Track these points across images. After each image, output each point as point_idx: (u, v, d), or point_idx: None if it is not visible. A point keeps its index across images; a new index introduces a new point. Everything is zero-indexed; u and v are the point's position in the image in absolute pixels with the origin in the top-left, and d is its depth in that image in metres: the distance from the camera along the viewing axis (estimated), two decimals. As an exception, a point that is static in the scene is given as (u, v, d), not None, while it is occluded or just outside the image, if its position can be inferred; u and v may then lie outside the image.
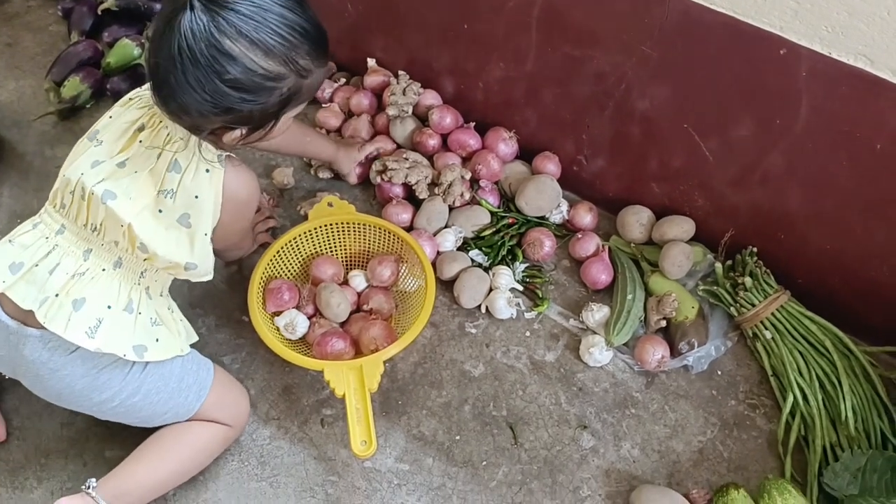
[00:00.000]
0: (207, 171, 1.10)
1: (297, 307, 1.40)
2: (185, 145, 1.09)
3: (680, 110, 1.33)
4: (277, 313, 1.39)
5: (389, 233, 1.44)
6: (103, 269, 1.12)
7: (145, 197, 1.09)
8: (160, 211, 1.10)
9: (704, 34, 1.19)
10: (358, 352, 1.36)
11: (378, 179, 1.58)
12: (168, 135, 1.10)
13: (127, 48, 1.77)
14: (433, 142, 1.58)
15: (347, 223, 1.45)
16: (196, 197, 1.10)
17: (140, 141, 1.11)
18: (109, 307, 1.11)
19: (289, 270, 1.44)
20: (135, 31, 1.81)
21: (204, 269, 1.19)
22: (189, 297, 1.48)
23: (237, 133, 1.06)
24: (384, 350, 1.28)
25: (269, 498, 1.27)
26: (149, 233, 1.09)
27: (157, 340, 1.15)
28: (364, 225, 1.45)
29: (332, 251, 1.47)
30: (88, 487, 1.16)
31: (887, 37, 1.03)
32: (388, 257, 1.43)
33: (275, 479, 1.29)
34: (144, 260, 1.13)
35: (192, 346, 1.25)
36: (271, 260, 1.40)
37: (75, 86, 1.72)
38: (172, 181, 1.09)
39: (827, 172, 1.24)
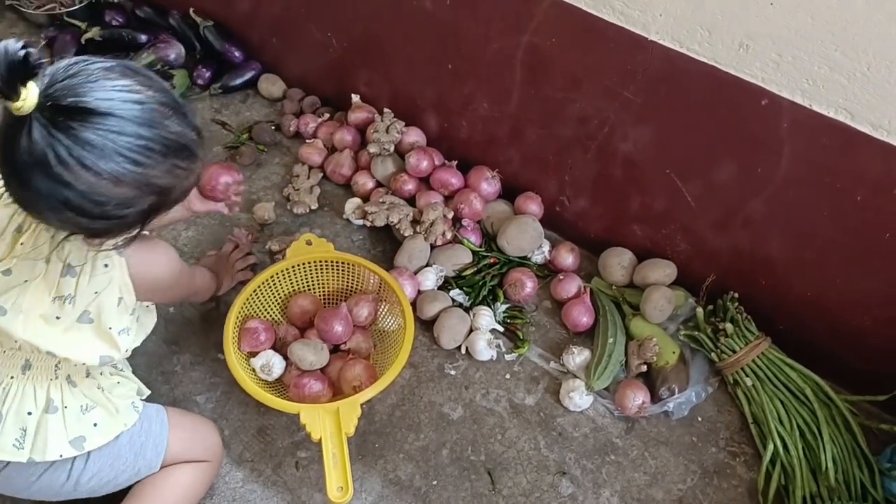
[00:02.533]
0: (106, 265, 1.00)
1: (274, 347, 1.38)
2: (73, 245, 0.97)
3: (662, 155, 1.33)
4: (253, 354, 1.37)
5: (368, 271, 1.42)
6: (11, 377, 1.04)
7: (38, 307, 0.98)
8: (57, 318, 0.99)
9: (687, 82, 1.19)
10: (336, 392, 1.34)
11: (361, 222, 1.57)
12: (52, 236, 0.97)
13: (109, 78, 1.75)
14: (409, 187, 1.57)
15: (326, 261, 1.44)
16: (96, 293, 1.00)
17: (21, 244, 0.99)
18: (29, 413, 1.04)
19: (266, 309, 1.42)
20: (118, 62, 1.79)
21: (123, 353, 1.06)
22: (165, 334, 1.46)
23: (110, 242, 0.96)
24: (361, 393, 1.26)
25: (241, 544, 1.25)
26: (49, 342, 0.99)
27: (94, 426, 1.09)
28: (343, 263, 1.44)
29: (311, 289, 1.45)
30: None
31: (867, 92, 1.03)
32: (366, 296, 1.41)
33: (247, 525, 1.27)
34: (56, 360, 1.06)
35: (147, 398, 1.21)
36: (248, 299, 1.38)
37: (55, 115, 1.70)
38: (69, 286, 0.99)
39: (808, 221, 1.24)
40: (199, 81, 1.82)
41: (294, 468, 1.32)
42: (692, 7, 1.10)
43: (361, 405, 1.26)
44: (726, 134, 1.22)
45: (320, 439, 1.21)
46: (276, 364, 1.35)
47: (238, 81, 1.82)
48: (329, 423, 1.22)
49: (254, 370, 1.35)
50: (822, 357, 1.36)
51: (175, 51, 1.79)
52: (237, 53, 1.83)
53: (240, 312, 1.36)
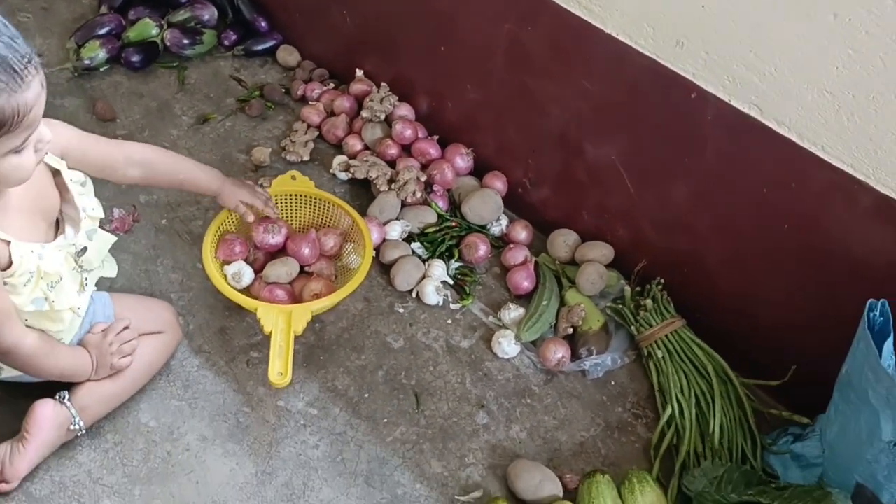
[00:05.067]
0: None
1: (245, 260, 1.55)
2: None
3: (610, 143, 1.51)
4: (227, 262, 1.54)
5: (342, 211, 1.60)
6: None
7: None
8: None
9: (633, 74, 1.39)
10: (296, 303, 1.50)
11: (344, 176, 1.77)
12: None
13: (147, 26, 1.98)
14: (393, 151, 1.76)
15: (304, 195, 1.62)
16: None
17: None
18: None
19: (244, 228, 1.59)
20: (157, 14, 2.02)
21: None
22: (154, 241, 1.64)
23: None
24: (314, 301, 1.43)
25: (186, 416, 1.40)
26: None
27: None
28: (320, 200, 1.62)
29: (287, 219, 1.63)
30: (63, 398, 1.29)
31: (774, 90, 1.23)
32: (335, 230, 1.59)
33: (194, 402, 1.42)
34: None
35: None
36: (228, 216, 1.55)
37: (93, 48, 1.92)
38: None
39: (724, 213, 1.42)
40: (226, 42, 2.03)
41: (245, 364, 1.48)
42: (642, 4, 1.31)
43: (313, 312, 1.42)
44: (662, 124, 1.40)
45: (271, 333, 1.38)
46: (247, 274, 1.52)
47: (259, 48, 2.04)
48: (281, 321, 1.39)
49: (225, 276, 1.51)
50: (730, 345, 1.51)
51: (209, 12, 2.02)
52: (263, 24, 2.05)
53: (220, 225, 1.54)
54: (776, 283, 1.42)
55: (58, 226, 1.25)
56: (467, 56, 1.65)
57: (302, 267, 1.57)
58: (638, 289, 1.60)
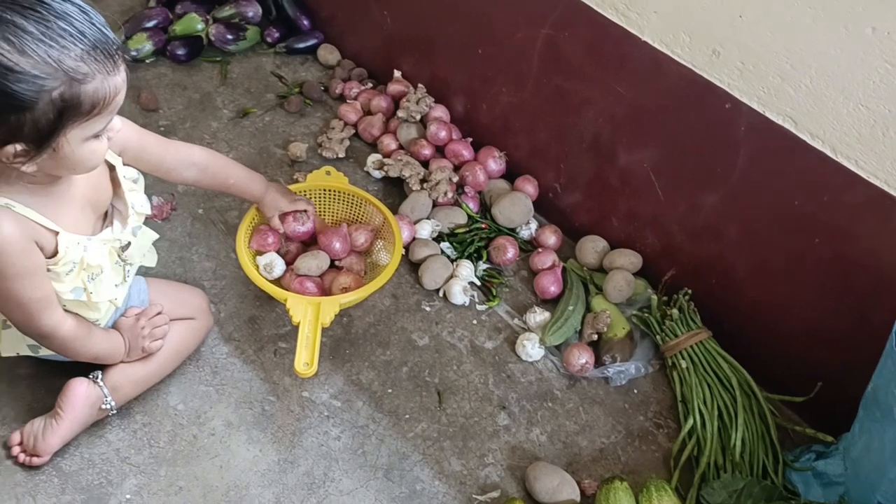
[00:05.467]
0: None
1: (278, 252, 1.58)
2: None
3: (642, 150, 1.52)
4: (260, 253, 1.57)
5: (375, 209, 1.63)
6: None
7: None
8: None
9: (668, 82, 1.39)
10: (325, 296, 1.53)
11: (377, 174, 1.79)
12: None
13: (192, 21, 2.02)
14: (426, 151, 1.78)
15: (338, 191, 1.65)
16: None
17: None
18: None
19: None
20: (203, 9, 2.06)
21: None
22: (190, 229, 1.67)
23: (10, 149, 1.00)
24: (342, 294, 1.45)
25: (213, 401, 1.43)
26: None
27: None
28: (353, 196, 1.64)
29: (321, 213, 1.66)
30: (96, 377, 1.34)
31: (809, 102, 1.22)
32: (366, 227, 1.61)
33: (221, 388, 1.45)
34: None
35: None
36: None
37: (141, 40, 1.97)
38: None
39: (755, 225, 1.41)
40: (268, 39, 2.08)
41: (273, 354, 1.51)
42: (679, 13, 1.31)
43: (341, 305, 1.44)
44: (695, 133, 1.41)
45: (299, 323, 1.40)
46: (278, 265, 1.55)
47: (301, 45, 2.07)
48: (310, 312, 1.41)
49: (257, 267, 1.54)
50: (755, 358, 1.51)
51: (254, 9, 2.06)
52: (305, 22, 2.09)
53: (255, 217, 1.57)
54: (804, 297, 1.41)
55: (105, 218, 1.29)
56: (503, 59, 1.67)
57: (332, 261, 1.59)
58: (665, 298, 1.60)
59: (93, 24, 1.01)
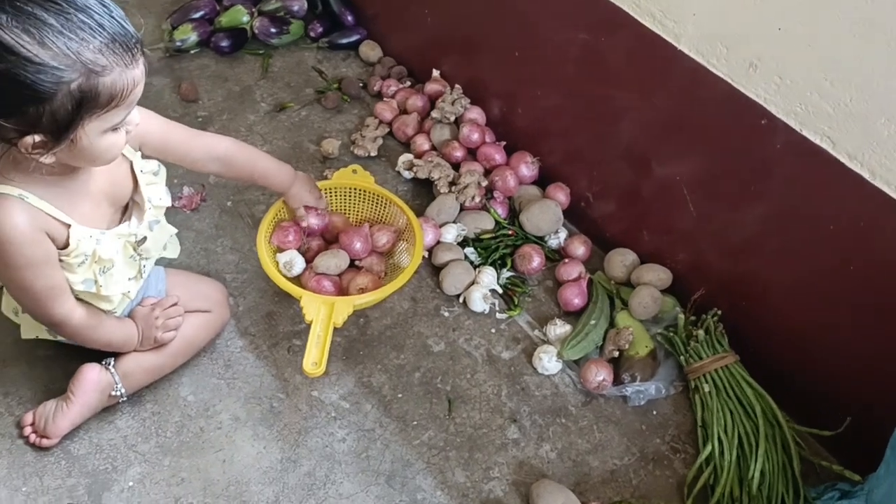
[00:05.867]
0: None
1: (298, 249, 1.57)
2: None
3: (675, 162, 1.46)
4: (281, 250, 1.56)
5: (398, 210, 1.60)
6: None
7: None
8: None
9: (703, 94, 1.33)
10: (342, 295, 1.51)
11: (407, 174, 1.77)
12: None
13: (238, 13, 2.04)
14: (458, 153, 1.75)
15: (364, 190, 1.63)
16: None
17: None
18: None
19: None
20: (250, 2, 2.07)
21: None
22: (217, 220, 1.68)
23: (29, 140, 1.01)
24: (358, 296, 1.44)
25: (223, 394, 1.43)
26: None
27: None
28: (378, 196, 1.62)
29: (344, 211, 1.64)
30: (108, 364, 1.35)
31: (848, 122, 1.15)
32: (389, 227, 1.59)
33: (232, 381, 1.45)
34: None
35: None
36: (286, 204, 1.58)
37: (186, 31, 1.99)
38: None
39: (788, 248, 1.34)
40: (312, 34, 2.08)
41: (286, 351, 1.50)
42: (716, 23, 1.25)
43: (355, 306, 1.43)
44: (730, 148, 1.34)
45: (311, 322, 1.39)
46: (298, 263, 1.54)
47: (344, 41, 2.06)
48: (323, 312, 1.40)
49: (277, 264, 1.54)
50: (784, 387, 1.44)
51: (299, 3, 2.06)
52: (349, 17, 2.08)
53: (278, 213, 1.56)
54: (838, 327, 1.34)
55: (125, 212, 1.30)
56: (540, 62, 1.62)
57: (352, 261, 1.57)
58: (693, 318, 1.54)
59: (112, 17, 1.02)
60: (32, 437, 1.33)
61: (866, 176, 1.16)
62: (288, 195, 1.53)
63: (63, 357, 1.41)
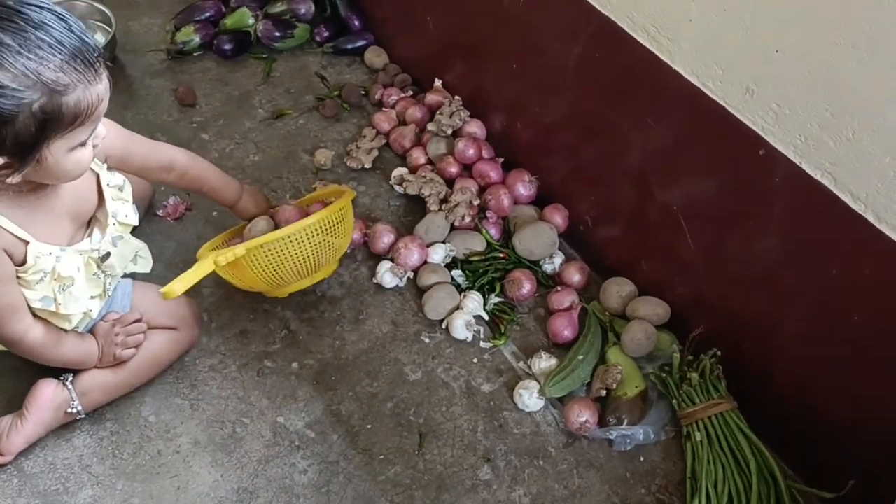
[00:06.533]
0: None
1: None
2: None
3: (672, 189, 1.35)
4: None
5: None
6: None
7: None
8: None
9: (698, 118, 1.22)
10: None
11: (400, 189, 1.69)
12: None
13: (244, 15, 1.98)
14: (452, 169, 1.66)
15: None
16: None
17: None
18: None
19: None
20: (257, 4, 2.02)
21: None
22: (200, 231, 1.63)
23: None
24: (232, 248, 1.32)
25: (185, 416, 1.37)
26: None
27: None
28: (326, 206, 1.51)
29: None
30: (66, 380, 1.31)
31: (850, 158, 1.02)
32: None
33: (196, 403, 1.39)
34: None
35: None
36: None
37: (188, 33, 1.95)
38: None
39: (789, 289, 1.22)
40: (317, 38, 2.01)
41: (256, 374, 1.44)
42: (711, 42, 1.14)
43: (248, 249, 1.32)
44: (727, 178, 1.23)
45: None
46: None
47: (349, 46, 1.99)
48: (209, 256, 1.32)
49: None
50: (785, 440, 1.32)
51: (306, 7, 2.00)
52: (356, 22, 2.01)
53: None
54: (843, 378, 1.21)
55: (88, 227, 1.26)
56: (537, 75, 1.53)
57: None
58: (690, 357, 1.42)
59: (71, 31, 0.98)
60: None
61: (871, 219, 1.03)
62: (235, 209, 1.51)
63: (29, 368, 1.37)
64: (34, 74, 0.94)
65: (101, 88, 1.02)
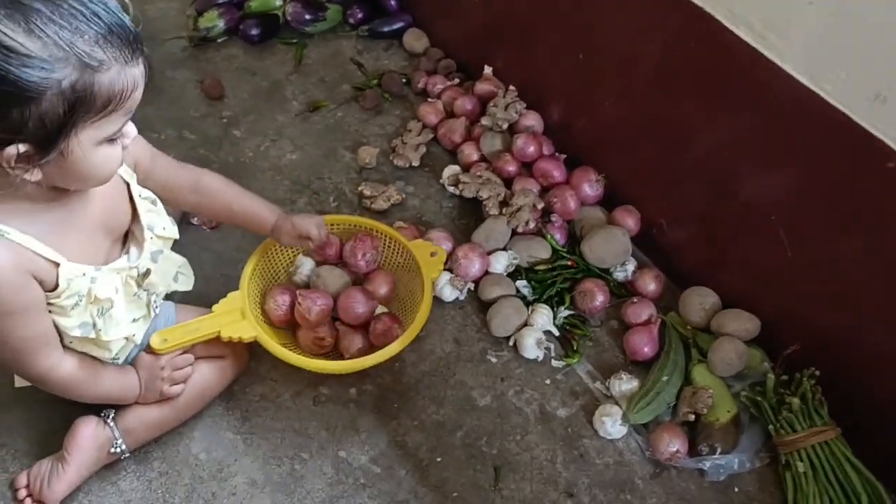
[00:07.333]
0: None
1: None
2: None
3: (768, 192, 1.22)
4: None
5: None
6: None
7: None
8: None
9: (812, 124, 1.08)
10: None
11: (453, 189, 1.56)
12: None
13: (271, -3, 1.83)
14: (510, 168, 1.53)
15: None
16: None
17: None
18: None
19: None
20: (284, -16, 1.86)
21: None
22: (239, 242, 1.50)
23: (11, 151, 0.84)
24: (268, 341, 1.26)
25: (239, 453, 1.26)
26: None
27: None
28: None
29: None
30: (107, 417, 1.20)
31: None
32: (387, 274, 1.42)
33: (250, 438, 1.28)
34: None
35: None
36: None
37: (211, 18, 1.80)
38: None
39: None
40: (351, 20, 1.86)
41: (311, 402, 1.33)
42: (832, 42, 1.00)
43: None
44: (841, 185, 1.10)
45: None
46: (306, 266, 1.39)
47: (386, 29, 1.84)
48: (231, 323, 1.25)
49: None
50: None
51: (338, -15, 1.84)
52: (393, 2, 1.85)
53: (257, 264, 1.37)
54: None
55: (123, 244, 1.13)
56: (610, 67, 1.39)
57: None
58: (785, 377, 1.30)
59: (107, 7, 0.86)
60: (28, 502, 1.19)
61: None
62: (273, 230, 1.32)
63: (64, 401, 1.25)
64: (67, 45, 0.81)
65: (136, 72, 0.89)
